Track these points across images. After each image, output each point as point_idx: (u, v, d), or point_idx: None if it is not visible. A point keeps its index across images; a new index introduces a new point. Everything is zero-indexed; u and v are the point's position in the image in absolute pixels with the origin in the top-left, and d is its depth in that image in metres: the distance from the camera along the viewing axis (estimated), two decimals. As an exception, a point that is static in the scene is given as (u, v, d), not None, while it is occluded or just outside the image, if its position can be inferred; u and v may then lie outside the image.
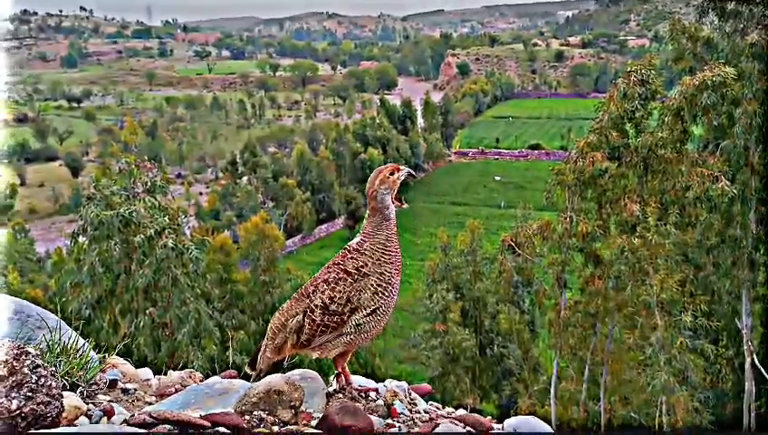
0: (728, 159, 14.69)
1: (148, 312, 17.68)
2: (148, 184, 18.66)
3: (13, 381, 1.44)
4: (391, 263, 2.25)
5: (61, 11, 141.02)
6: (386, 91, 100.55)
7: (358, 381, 2.27)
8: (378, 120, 66.84)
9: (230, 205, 57.59)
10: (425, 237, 49.59)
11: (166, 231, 17.16)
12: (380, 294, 2.21)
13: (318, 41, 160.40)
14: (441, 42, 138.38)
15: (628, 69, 15.22)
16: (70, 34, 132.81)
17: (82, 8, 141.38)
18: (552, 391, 16.08)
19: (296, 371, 2.18)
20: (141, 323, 16.74)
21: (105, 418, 1.69)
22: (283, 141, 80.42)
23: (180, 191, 62.55)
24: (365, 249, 2.28)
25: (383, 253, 2.25)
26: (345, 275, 2.23)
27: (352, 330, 2.16)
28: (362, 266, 2.25)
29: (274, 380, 1.96)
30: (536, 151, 76.90)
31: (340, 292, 2.21)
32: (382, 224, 2.31)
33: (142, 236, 17.04)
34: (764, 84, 14.64)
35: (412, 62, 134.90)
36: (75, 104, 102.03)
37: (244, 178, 63.55)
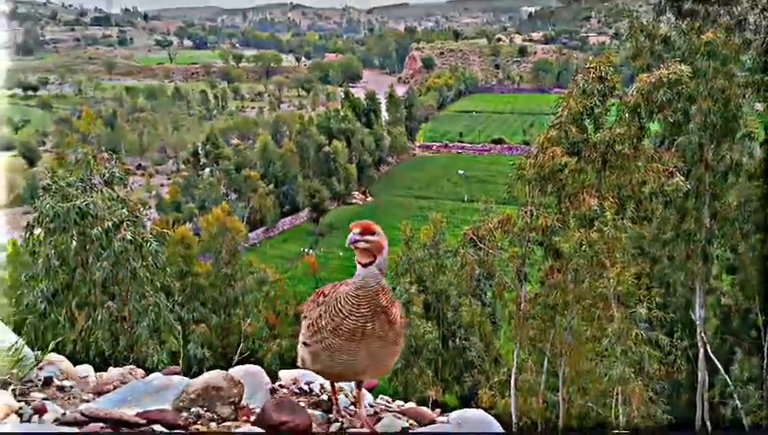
0: (683, 154, 15.05)
1: (106, 305, 17.38)
2: (106, 175, 18.34)
3: None
4: (334, 320, 2.05)
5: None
6: (350, 84, 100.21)
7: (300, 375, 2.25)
8: (342, 113, 66.69)
9: (192, 197, 56.87)
10: (388, 230, 49.59)
11: (124, 223, 16.89)
12: (310, 334, 2.08)
13: (282, 32, 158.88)
14: (406, 35, 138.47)
15: (588, 65, 15.43)
16: (26, 21, 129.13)
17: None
18: (513, 382, 16.28)
19: (240, 366, 2.16)
20: (99, 317, 16.46)
21: (37, 416, 1.65)
22: (247, 133, 79.62)
23: (141, 183, 61.51)
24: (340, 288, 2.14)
25: (335, 305, 2.07)
26: (321, 293, 2.19)
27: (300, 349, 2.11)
28: (324, 296, 2.16)
29: (213, 375, 1.92)
30: (499, 146, 77.60)
31: (308, 308, 2.17)
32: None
33: (99, 228, 16.74)
34: (718, 82, 15.02)
35: (376, 55, 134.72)
36: (31, 93, 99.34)
37: (207, 170, 62.77)
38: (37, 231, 18.72)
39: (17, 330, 18.29)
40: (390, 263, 26.13)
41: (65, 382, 1.94)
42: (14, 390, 1.81)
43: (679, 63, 14.51)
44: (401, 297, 22.21)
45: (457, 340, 22.47)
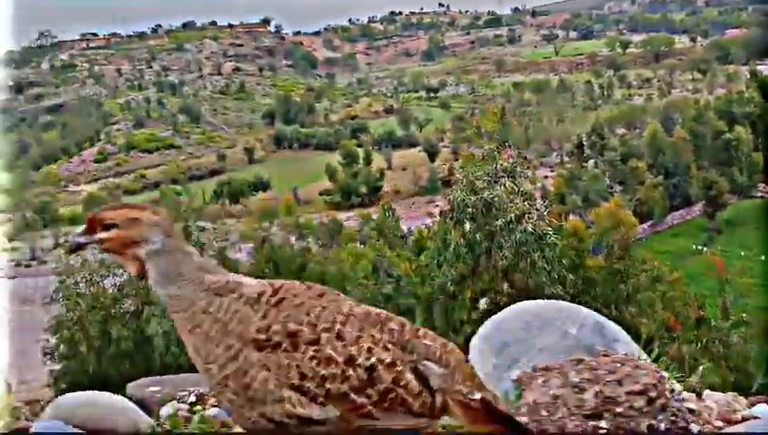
0: None
1: (507, 293, 18.40)
2: (508, 169, 19.37)
3: (659, 404, 1.56)
4: None
5: (422, 8, 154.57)
6: (758, 62, 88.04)
7: None
8: (747, 95, 59.24)
9: (575, 189, 56.80)
10: (808, 231, 42.64)
11: (526, 215, 17.66)
12: None
13: (674, 12, 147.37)
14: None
15: None
16: (429, 30, 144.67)
17: (440, 4, 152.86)
18: None
19: None
20: (501, 303, 17.54)
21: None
22: (633, 122, 76.54)
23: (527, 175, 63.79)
24: None
25: None
26: None
27: None
28: None
29: None
30: None
31: None
32: None
33: (503, 219, 17.76)
34: None
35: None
36: (433, 94, 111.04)
37: (591, 162, 62.04)
38: (448, 220, 20.73)
39: (429, 308, 20.60)
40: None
41: (691, 404, 1.99)
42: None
43: None
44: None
45: None
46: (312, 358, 1.48)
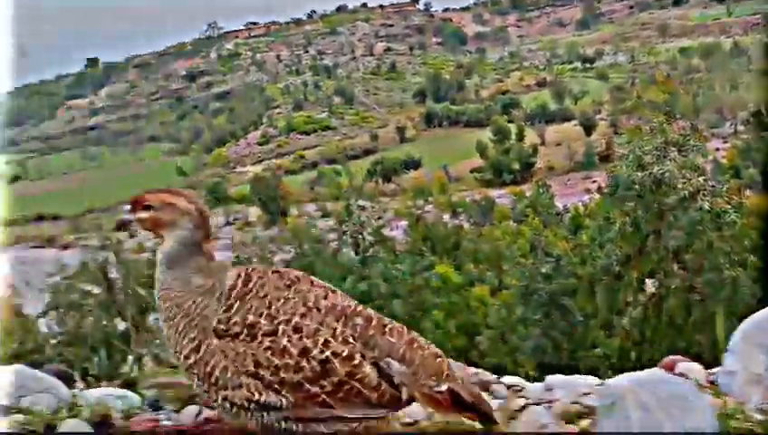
0: None
1: (677, 275, 17.34)
2: (679, 142, 18.12)
3: None
4: None
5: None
6: None
7: None
8: None
9: (752, 161, 51.82)
10: None
11: (701, 193, 16.45)
12: None
13: None
14: None
15: None
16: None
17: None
18: None
19: None
20: (673, 286, 16.57)
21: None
22: (826, 86, 68.35)
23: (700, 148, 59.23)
24: None
25: None
26: None
27: None
28: None
29: None
30: None
31: None
32: None
33: (675, 197, 16.70)
34: None
35: None
36: (589, 65, 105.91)
37: (771, 131, 56.35)
38: (610, 198, 19.82)
39: (591, 289, 19.82)
40: None
41: None
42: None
43: None
44: None
45: None
46: (268, 348, 1.59)
